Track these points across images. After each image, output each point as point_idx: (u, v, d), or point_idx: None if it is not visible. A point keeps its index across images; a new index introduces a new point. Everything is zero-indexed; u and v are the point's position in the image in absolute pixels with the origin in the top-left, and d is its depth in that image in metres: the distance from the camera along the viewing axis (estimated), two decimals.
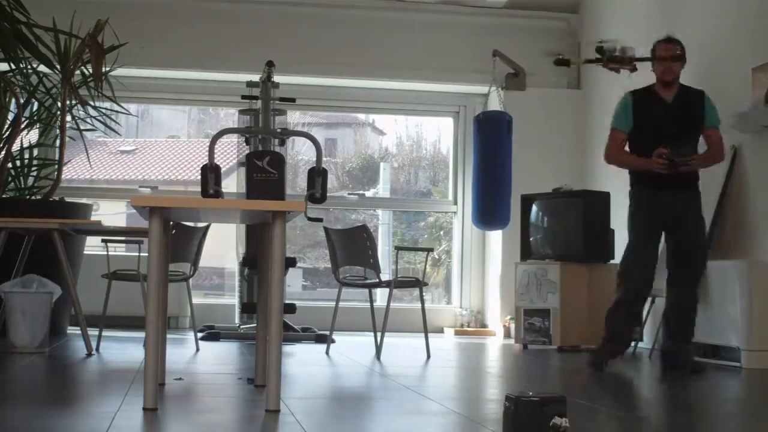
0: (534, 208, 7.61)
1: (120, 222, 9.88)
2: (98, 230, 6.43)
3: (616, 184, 8.02)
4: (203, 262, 6.61)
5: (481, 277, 9.38)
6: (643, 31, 7.98)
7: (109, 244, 6.58)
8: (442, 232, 10.12)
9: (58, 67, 7.20)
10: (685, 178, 5.62)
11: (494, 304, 9.03)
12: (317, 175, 6.62)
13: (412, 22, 9.08)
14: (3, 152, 7.25)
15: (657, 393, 5.03)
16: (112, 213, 10.05)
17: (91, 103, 7.40)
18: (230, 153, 9.86)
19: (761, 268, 5.96)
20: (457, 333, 9.01)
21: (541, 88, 8.99)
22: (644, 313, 7.15)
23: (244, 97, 7.69)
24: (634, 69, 6.91)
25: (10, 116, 7.41)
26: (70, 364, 5.38)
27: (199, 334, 7.07)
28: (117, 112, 7.54)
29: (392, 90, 9.38)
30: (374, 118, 11.16)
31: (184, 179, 12.37)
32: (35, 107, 7.64)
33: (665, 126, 5.63)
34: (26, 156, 7.69)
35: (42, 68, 7.39)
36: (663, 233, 5.71)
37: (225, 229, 8.07)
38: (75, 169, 9.29)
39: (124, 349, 6.28)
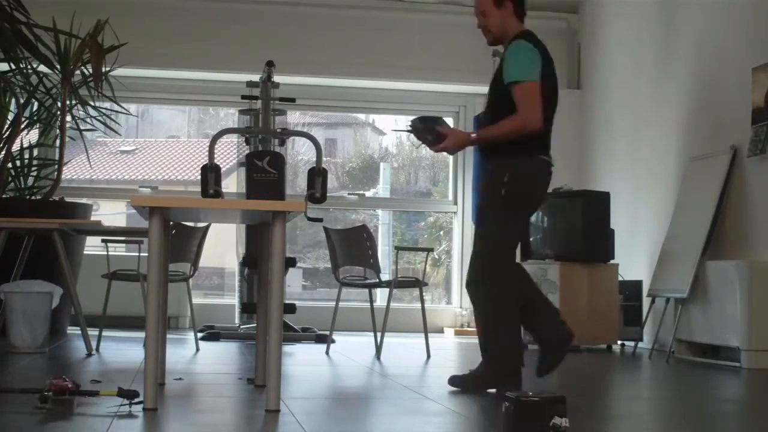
0: None
1: (120, 222, 9.89)
2: (98, 230, 6.42)
3: (616, 184, 8.04)
4: (203, 262, 6.61)
5: None
6: (643, 30, 7.99)
7: (109, 244, 6.58)
8: (442, 232, 10.12)
9: (58, 67, 7.20)
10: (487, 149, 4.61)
11: None
12: (317, 175, 6.61)
13: (412, 22, 9.08)
14: (3, 152, 7.25)
15: (657, 393, 5.03)
16: (112, 213, 10.06)
17: (91, 103, 7.40)
18: (230, 153, 9.86)
19: (761, 268, 5.96)
20: (457, 333, 9.00)
21: None
22: (644, 313, 7.16)
23: (244, 97, 7.69)
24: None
25: (10, 116, 7.41)
26: (70, 364, 5.37)
27: (199, 334, 7.07)
28: (117, 112, 7.53)
29: (392, 90, 9.38)
30: (374, 118, 11.16)
31: (184, 179, 12.38)
32: (35, 107, 7.64)
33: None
34: (26, 156, 7.69)
35: (42, 68, 7.39)
36: None
37: (225, 229, 8.08)
38: (75, 169, 9.29)
39: (124, 349, 6.28)
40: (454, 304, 9.46)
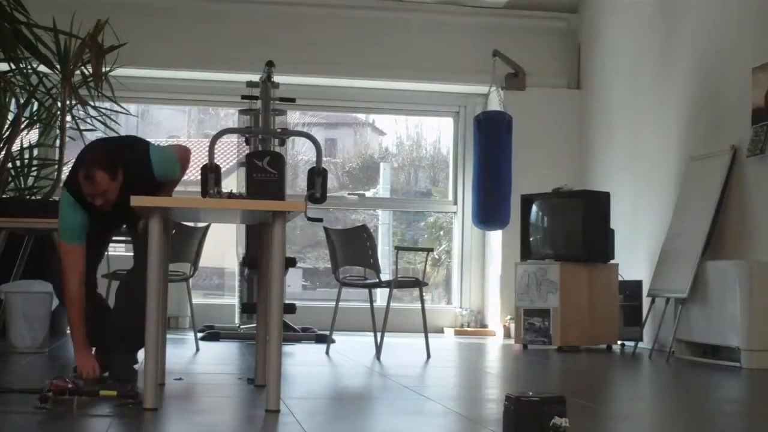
0: (534, 208, 7.61)
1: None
2: None
3: (616, 184, 8.04)
4: (203, 262, 6.61)
5: (481, 277, 9.38)
6: (643, 30, 7.99)
7: (109, 244, 6.56)
8: (442, 232, 10.12)
9: (58, 67, 7.20)
10: None
11: (494, 304, 9.03)
12: (317, 175, 6.61)
13: (412, 22, 9.08)
14: (3, 152, 7.25)
15: (657, 393, 5.03)
16: None
17: (91, 103, 7.39)
18: (230, 153, 9.86)
19: (761, 268, 5.96)
20: (457, 333, 9.01)
21: (541, 88, 9.00)
22: (644, 313, 7.16)
23: (244, 97, 7.69)
24: None
25: (10, 116, 7.40)
26: (70, 364, 5.37)
27: (199, 334, 7.07)
28: (117, 112, 7.53)
29: (392, 90, 9.38)
30: (374, 118, 11.15)
31: (184, 179, 12.36)
32: (35, 107, 7.63)
33: None
34: (26, 156, 7.69)
35: (42, 68, 7.38)
36: None
37: (225, 229, 8.07)
38: None
39: None
40: (454, 304, 9.46)
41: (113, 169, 4.31)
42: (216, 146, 6.75)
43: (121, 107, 7.60)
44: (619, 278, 7.40)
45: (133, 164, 4.42)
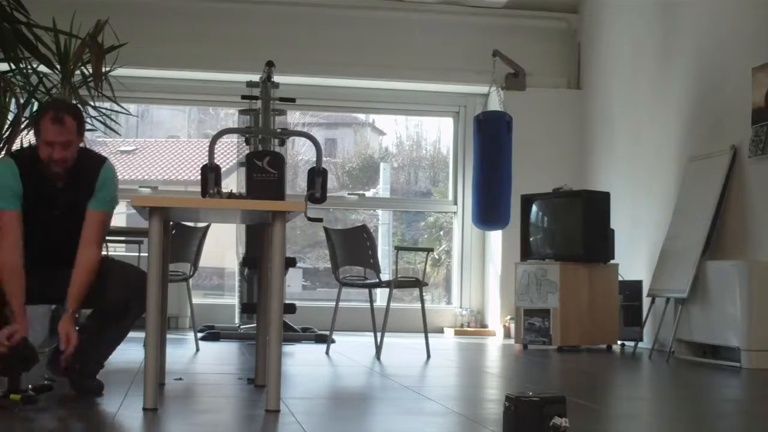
0: (534, 208, 7.61)
1: (120, 222, 9.88)
2: None
3: (616, 184, 8.04)
4: (203, 262, 6.61)
5: (481, 277, 9.38)
6: (643, 31, 7.99)
7: (109, 244, 6.57)
8: (442, 232, 10.12)
9: (58, 67, 7.19)
10: None
11: (494, 304, 9.03)
12: (317, 175, 6.61)
13: (412, 22, 9.08)
14: (3, 152, 7.25)
15: (657, 393, 5.03)
16: None
17: (91, 103, 7.39)
18: (230, 153, 9.86)
19: (761, 268, 5.96)
20: (457, 333, 9.01)
21: (541, 88, 9.00)
22: (644, 313, 7.16)
23: (244, 97, 7.69)
24: None
25: (10, 116, 7.40)
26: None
27: (199, 334, 7.07)
28: (117, 112, 7.53)
29: (392, 90, 9.38)
30: (374, 118, 11.15)
31: (184, 179, 12.37)
32: (35, 107, 7.63)
33: None
34: None
35: (42, 68, 7.38)
36: None
37: (225, 229, 8.08)
38: None
39: (124, 349, 6.26)
40: (454, 304, 9.46)
41: (81, 124, 3.86)
42: (216, 146, 6.76)
43: (121, 107, 7.59)
44: (619, 278, 7.40)
45: (86, 152, 3.98)
